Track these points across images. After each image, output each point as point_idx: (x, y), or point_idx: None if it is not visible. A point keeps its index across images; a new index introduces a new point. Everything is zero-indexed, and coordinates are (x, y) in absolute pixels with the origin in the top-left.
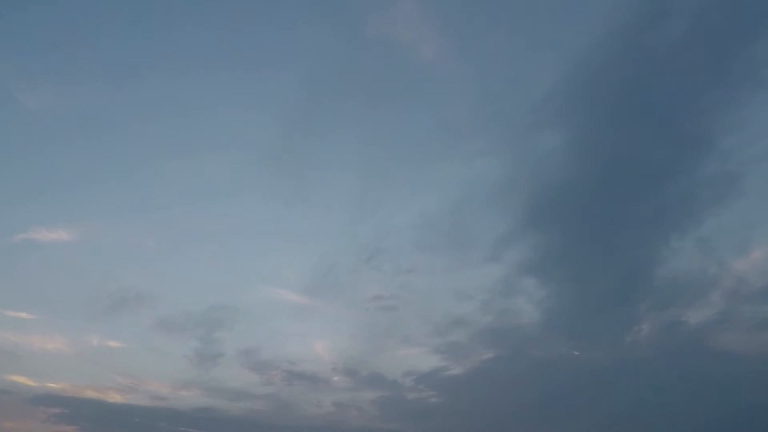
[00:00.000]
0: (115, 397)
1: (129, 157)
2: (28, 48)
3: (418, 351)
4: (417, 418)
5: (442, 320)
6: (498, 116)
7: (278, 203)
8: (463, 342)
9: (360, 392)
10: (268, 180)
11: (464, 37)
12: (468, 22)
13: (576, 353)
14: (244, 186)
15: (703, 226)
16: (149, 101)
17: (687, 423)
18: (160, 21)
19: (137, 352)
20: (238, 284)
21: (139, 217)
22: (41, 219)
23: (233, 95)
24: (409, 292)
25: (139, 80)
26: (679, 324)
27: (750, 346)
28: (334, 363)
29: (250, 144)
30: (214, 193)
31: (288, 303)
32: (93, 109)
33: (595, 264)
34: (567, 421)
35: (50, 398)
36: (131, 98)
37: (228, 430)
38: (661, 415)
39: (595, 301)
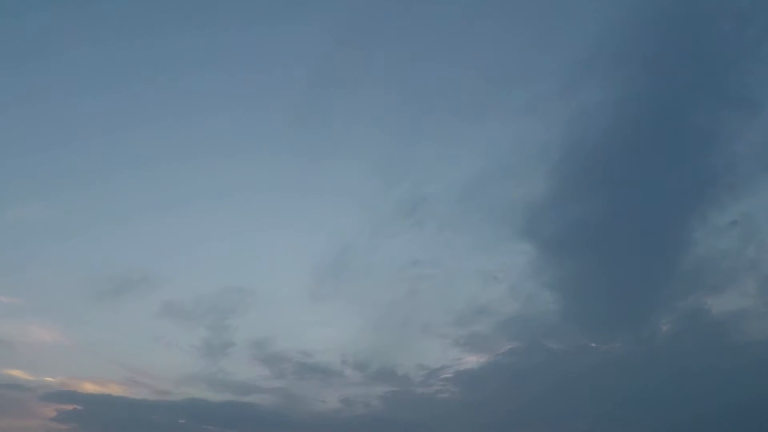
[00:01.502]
0: (116, 390)
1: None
2: None
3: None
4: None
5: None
6: (542, 69)
7: (302, 160)
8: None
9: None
10: (293, 137)
11: None
12: None
13: (593, 345)
14: (265, 144)
15: (745, 201)
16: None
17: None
18: None
19: (141, 341)
20: (254, 259)
21: (143, 188)
22: (34, 192)
23: (259, 49)
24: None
25: (166, 33)
26: (704, 312)
27: None
28: (349, 355)
29: (276, 100)
30: (234, 151)
31: (308, 279)
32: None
33: (624, 243)
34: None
35: (48, 393)
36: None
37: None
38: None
39: (621, 285)
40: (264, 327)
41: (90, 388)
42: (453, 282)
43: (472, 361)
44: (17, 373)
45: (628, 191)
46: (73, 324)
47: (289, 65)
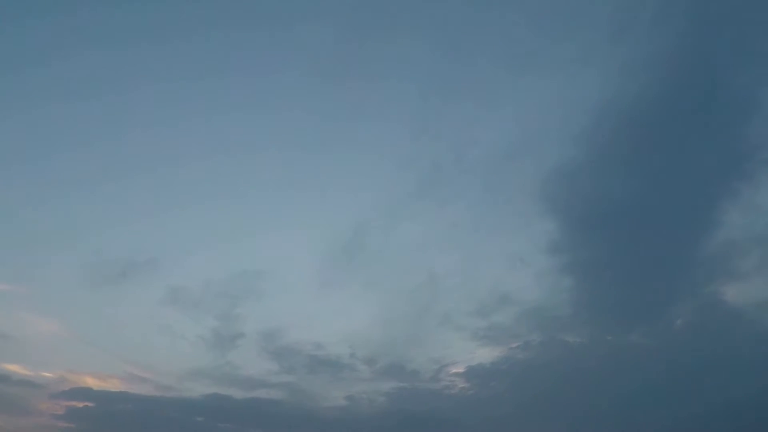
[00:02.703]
0: (117, 386)
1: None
2: None
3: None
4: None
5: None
6: (585, 22)
7: (318, 119)
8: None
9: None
10: (317, 93)
11: None
12: None
13: (609, 338)
14: (283, 101)
15: None
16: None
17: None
18: None
19: (144, 332)
20: (265, 241)
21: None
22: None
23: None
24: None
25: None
26: (721, 302)
27: None
28: (361, 347)
29: (300, 54)
30: (254, 108)
31: (320, 262)
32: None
33: (650, 222)
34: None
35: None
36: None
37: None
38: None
39: (642, 270)
40: (275, 316)
41: (91, 382)
42: (476, 266)
43: (487, 354)
44: (13, 368)
45: (660, 163)
46: (72, 313)
47: (315, 15)
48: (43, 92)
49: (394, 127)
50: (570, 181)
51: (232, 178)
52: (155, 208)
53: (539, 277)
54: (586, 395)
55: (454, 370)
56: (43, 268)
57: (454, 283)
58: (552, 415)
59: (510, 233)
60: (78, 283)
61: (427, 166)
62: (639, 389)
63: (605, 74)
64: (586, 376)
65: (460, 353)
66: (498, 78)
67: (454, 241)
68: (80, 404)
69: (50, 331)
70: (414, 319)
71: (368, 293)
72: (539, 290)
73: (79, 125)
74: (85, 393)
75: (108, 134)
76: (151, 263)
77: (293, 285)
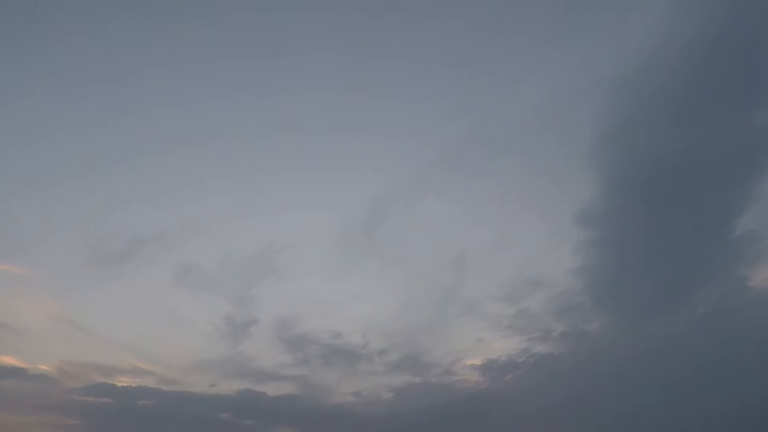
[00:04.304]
0: (121, 381)
1: None
2: None
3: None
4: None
5: None
6: None
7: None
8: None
9: None
10: (334, 70)
11: None
12: None
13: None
14: (303, 79)
15: None
16: None
17: None
18: None
19: (150, 319)
20: (286, 214)
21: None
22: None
23: None
24: None
25: None
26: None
27: None
28: (379, 337)
29: (317, 32)
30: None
31: (337, 241)
32: None
33: (676, 200)
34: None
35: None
36: None
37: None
38: None
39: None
40: (291, 300)
41: (91, 374)
42: (507, 245)
43: (505, 347)
44: (6, 360)
45: (690, 136)
46: (73, 296)
47: None
48: (49, 71)
49: (415, 99)
50: (612, 144)
51: (250, 156)
52: (167, 184)
53: (572, 254)
54: (607, 393)
55: (471, 363)
56: (41, 246)
57: (481, 264)
58: (567, 417)
59: (544, 206)
60: (78, 262)
61: (453, 136)
62: (664, 385)
63: (654, 17)
64: (607, 371)
65: (479, 345)
66: (531, 44)
67: (482, 218)
68: (78, 398)
69: (46, 317)
70: (436, 305)
71: (388, 275)
72: (569, 270)
73: (93, 104)
74: (83, 386)
75: (123, 113)
76: (159, 237)
77: (310, 265)
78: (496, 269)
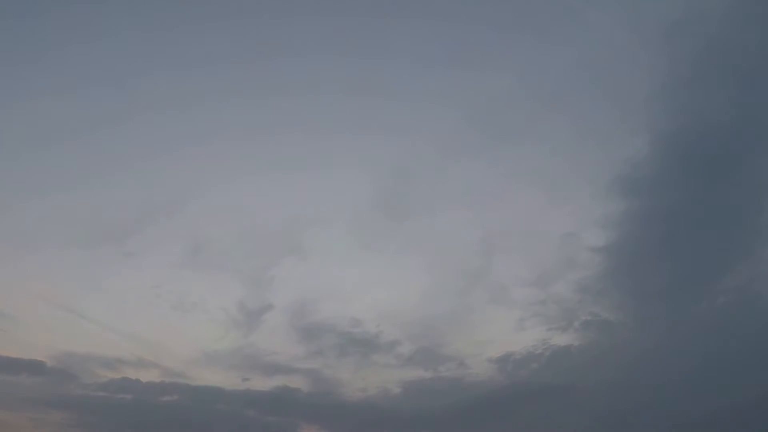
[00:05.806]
0: (125, 372)
1: None
2: None
3: None
4: None
5: None
6: None
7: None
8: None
9: None
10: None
11: None
12: None
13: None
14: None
15: None
16: None
17: None
18: None
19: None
20: (302, 190)
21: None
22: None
23: None
24: None
25: None
26: None
27: None
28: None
29: None
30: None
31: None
32: None
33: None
34: None
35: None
36: None
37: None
38: None
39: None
40: (308, 284)
41: (89, 366)
42: (541, 219)
43: (530, 339)
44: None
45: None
46: (69, 277)
47: None
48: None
49: (438, 61)
50: (658, 103)
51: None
52: (175, 145)
53: (602, 230)
54: (627, 386)
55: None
56: (34, 219)
57: (515, 242)
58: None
59: (583, 176)
60: (76, 238)
61: (481, 99)
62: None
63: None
64: (628, 362)
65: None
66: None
67: (518, 187)
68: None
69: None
70: (460, 291)
71: (410, 257)
72: (596, 248)
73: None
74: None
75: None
76: (170, 206)
77: (329, 243)
78: (525, 251)
